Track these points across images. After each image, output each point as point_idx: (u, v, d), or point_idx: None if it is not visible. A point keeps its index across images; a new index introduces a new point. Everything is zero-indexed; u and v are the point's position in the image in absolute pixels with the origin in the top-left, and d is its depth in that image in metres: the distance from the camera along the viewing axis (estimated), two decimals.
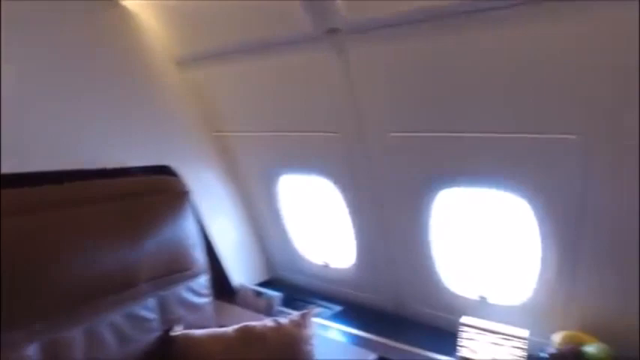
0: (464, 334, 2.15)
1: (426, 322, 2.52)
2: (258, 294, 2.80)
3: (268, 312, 2.68)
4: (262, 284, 3.14)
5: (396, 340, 2.38)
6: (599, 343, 1.90)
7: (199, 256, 2.30)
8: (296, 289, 3.08)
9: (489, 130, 1.85)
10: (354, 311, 2.77)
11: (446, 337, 2.27)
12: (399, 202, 2.29)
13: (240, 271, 3.03)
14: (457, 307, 2.37)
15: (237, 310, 2.67)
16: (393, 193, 2.28)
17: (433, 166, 2.08)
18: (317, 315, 2.72)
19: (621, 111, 1.53)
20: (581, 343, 1.93)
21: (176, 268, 2.17)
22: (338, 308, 2.82)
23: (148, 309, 2.02)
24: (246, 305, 2.74)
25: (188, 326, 2.10)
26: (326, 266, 2.92)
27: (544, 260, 2.01)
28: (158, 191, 2.20)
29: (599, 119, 1.59)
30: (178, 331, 2.06)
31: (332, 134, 2.26)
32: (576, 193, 1.77)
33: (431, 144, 2.01)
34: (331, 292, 2.93)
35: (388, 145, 2.11)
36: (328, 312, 2.81)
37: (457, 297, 2.39)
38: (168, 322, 2.08)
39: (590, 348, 1.90)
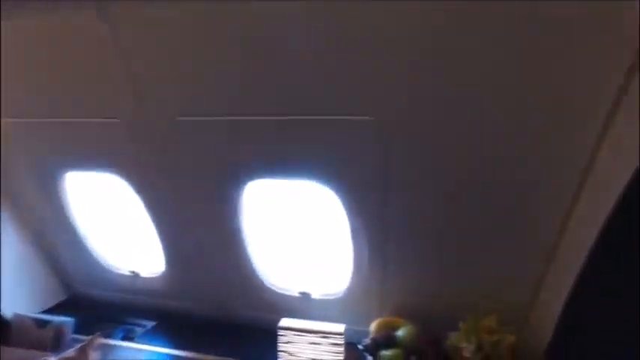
0: (283, 338, 1.98)
1: (251, 325, 2.28)
2: (42, 323, 2.22)
3: (55, 344, 2.15)
4: (55, 308, 2.55)
5: (217, 353, 2.11)
6: (409, 324, 1.91)
7: None
8: (102, 306, 2.58)
9: (286, 113, 1.64)
10: (170, 325, 2.40)
11: (271, 340, 2.07)
12: (203, 196, 1.98)
13: (21, 297, 2.40)
14: (281, 305, 2.20)
15: (7, 351, 2.07)
16: (194, 187, 1.95)
17: (236, 154, 1.81)
18: (121, 336, 2.30)
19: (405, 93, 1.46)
20: (394, 328, 1.92)
21: None
22: (151, 324, 2.43)
23: None
24: (23, 341, 2.15)
25: None
26: (135, 276, 2.48)
27: (356, 250, 1.93)
28: None
29: (393, 101, 1.50)
30: None
31: (111, 120, 1.82)
32: (378, 179, 1.69)
33: (230, 127, 1.73)
34: (144, 306, 2.50)
35: (178, 132, 1.76)
36: (139, 330, 2.40)
37: (280, 295, 2.21)
38: None
39: (400, 331, 1.90)
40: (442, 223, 1.80)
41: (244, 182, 1.90)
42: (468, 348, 1.76)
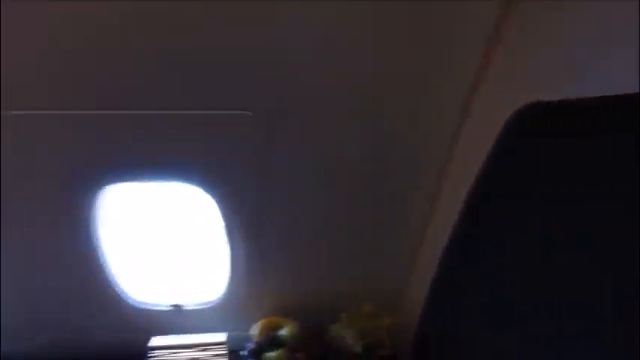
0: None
1: (114, 351, 1.99)
2: None
3: None
4: None
5: None
6: (291, 323, 1.89)
7: None
8: None
9: (156, 107, 1.46)
10: None
11: None
12: (44, 207, 1.64)
13: None
14: (150, 323, 1.96)
15: None
16: (32, 197, 1.61)
17: (86, 155, 1.54)
18: None
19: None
20: (277, 328, 1.88)
21: None
22: None
23: None
24: None
25: None
26: None
27: (233, 252, 1.83)
28: None
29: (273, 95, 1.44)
30: None
31: None
32: (256, 178, 1.62)
33: (78, 125, 1.47)
34: None
35: (11, 128, 1.42)
36: None
37: (147, 311, 1.97)
38: None
39: (283, 331, 1.87)
40: (320, 220, 1.82)
41: (99, 187, 1.64)
42: (350, 336, 1.83)
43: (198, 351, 1.78)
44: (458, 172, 1.58)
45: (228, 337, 1.85)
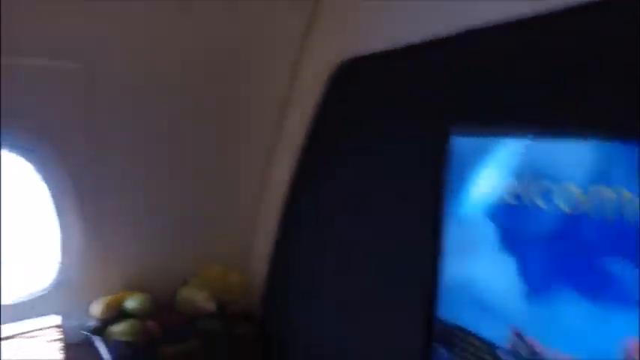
0: None
1: None
2: None
3: None
4: None
5: None
6: (138, 294, 1.82)
7: None
8: None
9: None
10: None
11: None
12: None
13: None
14: None
15: None
16: None
17: None
18: None
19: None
20: (122, 302, 1.79)
21: None
22: None
23: None
24: None
25: None
26: None
27: (63, 229, 1.68)
28: None
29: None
30: None
31: None
32: (80, 137, 1.51)
33: None
34: None
35: None
36: None
37: None
38: None
39: (130, 301, 1.79)
40: (159, 184, 1.79)
41: None
42: (201, 297, 1.84)
43: (28, 338, 1.58)
44: (291, 128, 1.73)
45: (64, 320, 1.68)
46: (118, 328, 1.71)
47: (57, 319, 1.66)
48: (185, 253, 1.93)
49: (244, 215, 1.99)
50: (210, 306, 1.83)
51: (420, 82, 1.20)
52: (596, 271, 0.81)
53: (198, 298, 1.84)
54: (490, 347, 1.01)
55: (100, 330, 1.70)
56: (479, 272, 1.03)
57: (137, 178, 1.70)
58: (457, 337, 1.09)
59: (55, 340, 1.63)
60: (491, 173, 0.97)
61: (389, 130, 1.33)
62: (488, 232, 0.99)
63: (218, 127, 1.70)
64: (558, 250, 0.87)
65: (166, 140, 1.67)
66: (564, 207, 0.85)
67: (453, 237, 1.08)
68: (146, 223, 1.84)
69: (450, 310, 1.10)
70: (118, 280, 1.87)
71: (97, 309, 1.76)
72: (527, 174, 0.91)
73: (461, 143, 1.03)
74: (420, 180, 1.14)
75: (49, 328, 1.62)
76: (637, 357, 0.76)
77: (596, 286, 0.81)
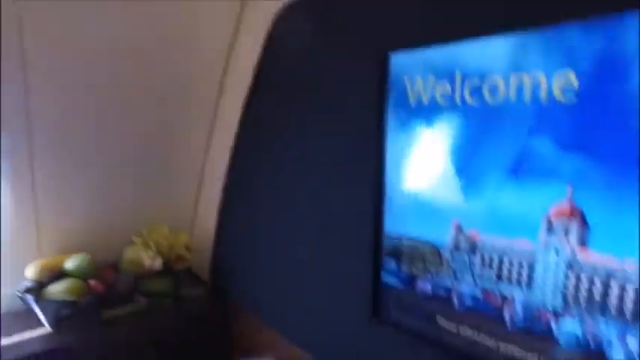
0: None
1: None
2: None
3: None
4: None
5: None
6: (79, 254, 1.73)
7: None
8: None
9: None
10: None
11: None
12: None
13: None
14: None
15: None
16: None
17: None
18: None
19: None
20: (60, 264, 1.70)
21: None
22: None
23: None
24: None
25: None
26: None
27: None
28: None
29: None
30: None
31: None
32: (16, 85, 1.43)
33: None
34: None
35: None
36: None
37: None
38: None
39: (70, 262, 1.70)
40: (100, 146, 1.73)
41: None
42: (148, 256, 1.79)
43: None
44: (235, 80, 1.74)
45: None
46: (57, 288, 1.61)
47: None
48: (129, 216, 1.87)
49: (189, 177, 1.96)
50: (156, 264, 1.79)
51: (354, 14, 1.26)
52: (522, 153, 0.90)
53: (143, 257, 1.78)
54: (434, 247, 1.08)
55: (36, 290, 1.60)
56: (420, 180, 1.10)
57: (77, 139, 1.64)
58: (404, 246, 1.15)
59: None
60: (426, 82, 1.05)
61: (331, 61, 1.34)
62: (427, 138, 1.07)
63: (161, 93, 1.69)
64: (488, 141, 0.96)
65: (108, 102, 1.62)
66: (490, 99, 0.94)
67: (395, 151, 1.14)
68: (86, 188, 1.76)
69: (396, 222, 1.16)
70: (57, 245, 1.77)
71: (32, 270, 1.66)
72: (458, 75, 0.99)
73: (398, 60, 1.10)
74: (361, 99, 1.20)
75: None
76: (559, 219, 0.86)
77: (523, 167, 0.90)
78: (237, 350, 1.87)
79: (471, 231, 1.00)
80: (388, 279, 1.20)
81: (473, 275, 1.01)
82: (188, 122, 1.86)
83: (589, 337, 0.85)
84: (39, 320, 1.64)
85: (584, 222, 0.84)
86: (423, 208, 1.09)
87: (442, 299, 1.08)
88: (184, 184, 1.98)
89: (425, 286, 1.11)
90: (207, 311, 1.91)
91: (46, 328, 1.63)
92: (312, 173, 1.45)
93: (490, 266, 0.98)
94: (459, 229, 1.02)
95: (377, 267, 1.21)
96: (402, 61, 1.09)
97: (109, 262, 1.81)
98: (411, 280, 1.14)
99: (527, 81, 0.88)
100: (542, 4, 0.85)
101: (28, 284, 1.60)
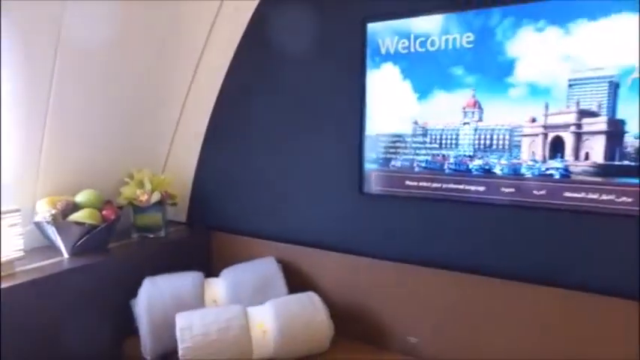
0: None
1: None
2: None
3: None
4: None
5: None
6: (86, 190, 1.91)
7: None
8: None
9: None
10: None
11: None
12: None
13: None
14: None
15: None
16: None
17: None
18: None
19: None
20: (67, 200, 1.86)
21: None
22: None
23: None
24: None
25: None
26: None
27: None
28: None
29: None
30: None
31: None
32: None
33: None
34: None
35: None
36: None
37: None
38: None
39: (80, 196, 1.87)
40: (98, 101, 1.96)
41: None
42: (144, 192, 2.05)
43: None
44: (221, 38, 2.18)
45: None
46: (79, 215, 1.78)
47: (14, 206, 1.64)
48: (117, 161, 2.10)
49: (165, 130, 2.29)
50: (153, 198, 2.07)
51: None
52: (448, 75, 1.72)
53: (139, 193, 2.04)
54: (400, 137, 1.82)
55: (59, 217, 1.74)
56: (390, 97, 1.83)
57: (79, 100, 1.86)
58: (380, 140, 1.86)
59: (14, 225, 1.61)
60: (392, 40, 1.80)
61: (324, 27, 1.93)
62: (393, 72, 1.81)
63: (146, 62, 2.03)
64: (430, 70, 1.75)
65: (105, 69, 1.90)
66: (430, 48, 1.74)
67: (372, 81, 1.86)
68: (85, 135, 1.97)
69: (374, 126, 1.87)
70: (53, 187, 1.89)
71: (42, 205, 1.77)
72: (412, 35, 1.77)
73: (373, 27, 1.83)
74: (349, 51, 1.88)
75: (8, 212, 1.59)
76: (468, 107, 1.70)
77: (449, 82, 1.72)
78: (218, 263, 2.23)
79: (423, 122, 1.78)
80: (369, 166, 1.89)
81: (425, 148, 1.79)
82: (170, 87, 2.21)
83: (485, 165, 1.70)
84: (55, 251, 1.77)
85: (480, 108, 1.70)
86: (392, 113, 1.83)
87: (407, 168, 1.83)
88: (162, 135, 2.28)
89: (396, 163, 1.85)
90: (188, 237, 2.27)
91: (63, 255, 1.78)
92: (303, 103, 2.03)
93: (435, 141, 1.78)
94: (416, 122, 1.79)
95: (361, 160, 1.90)
96: (375, 28, 1.82)
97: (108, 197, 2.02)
98: (386, 162, 1.86)
99: (450, 38, 1.71)
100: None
101: (52, 213, 1.72)
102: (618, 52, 1.43)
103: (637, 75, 1.40)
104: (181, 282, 1.85)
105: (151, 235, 2.11)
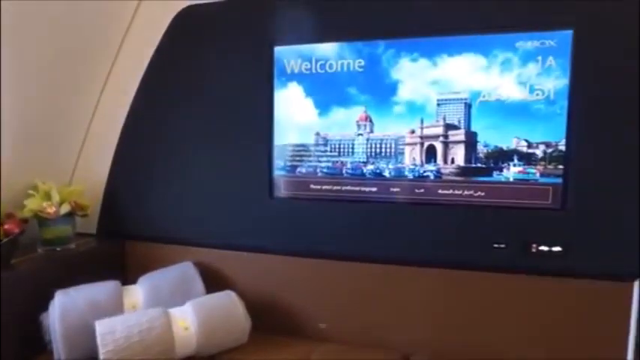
0: None
1: None
2: None
3: None
4: None
5: None
6: None
7: None
8: None
9: None
10: None
11: None
12: None
13: None
14: None
15: None
16: None
17: None
18: None
19: None
20: None
21: None
22: None
23: None
24: None
25: None
26: None
27: None
28: None
29: None
30: None
31: None
32: None
33: None
34: None
35: None
36: None
37: None
38: None
39: None
40: None
41: None
42: (52, 204, 2.01)
43: None
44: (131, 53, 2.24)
45: None
46: None
47: None
48: (20, 172, 2.02)
49: (74, 139, 2.26)
50: (62, 211, 2.03)
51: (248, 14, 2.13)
52: (344, 94, 2.02)
53: (46, 205, 2.00)
54: (305, 146, 2.07)
55: None
56: (294, 112, 2.08)
57: None
58: (287, 150, 2.09)
59: None
60: (296, 62, 2.05)
61: (231, 52, 2.12)
62: (297, 90, 2.06)
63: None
64: (328, 89, 2.03)
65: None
66: (329, 70, 2.03)
67: (279, 98, 2.08)
68: None
69: (281, 137, 2.10)
70: None
71: None
72: (313, 59, 2.04)
73: (279, 50, 2.07)
74: (256, 72, 2.09)
75: None
76: (361, 121, 2.01)
77: (345, 100, 2.02)
78: (134, 272, 2.24)
79: (324, 134, 2.05)
80: (278, 172, 2.11)
81: (326, 156, 2.06)
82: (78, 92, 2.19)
83: (376, 169, 2.02)
84: None
85: (371, 121, 2.02)
86: (297, 126, 2.08)
87: (311, 173, 2.08)
88: (68, 143, 2.24)
89: (301, 169, 2.09)
90: (100, 247, 2.26)
91: None
92: (216, 112, 2.18)
93: (334, 150, 2.06)
94: (318, 134, 2.06)
95: (270, 167, 2.10)
96: (282, 51, 2.06)
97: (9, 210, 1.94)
98: (293, 169, 2.09)
99: (345, 62, 2.01)
100: (356, 28, 1.99)
101: None
102: (469, 80, 1.85)
103: (482, 99, 1.83)
104: (97, 290, 1.87)
105: (59, 249, 2.07)
